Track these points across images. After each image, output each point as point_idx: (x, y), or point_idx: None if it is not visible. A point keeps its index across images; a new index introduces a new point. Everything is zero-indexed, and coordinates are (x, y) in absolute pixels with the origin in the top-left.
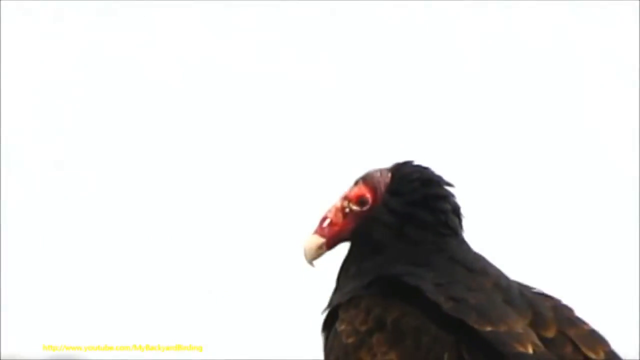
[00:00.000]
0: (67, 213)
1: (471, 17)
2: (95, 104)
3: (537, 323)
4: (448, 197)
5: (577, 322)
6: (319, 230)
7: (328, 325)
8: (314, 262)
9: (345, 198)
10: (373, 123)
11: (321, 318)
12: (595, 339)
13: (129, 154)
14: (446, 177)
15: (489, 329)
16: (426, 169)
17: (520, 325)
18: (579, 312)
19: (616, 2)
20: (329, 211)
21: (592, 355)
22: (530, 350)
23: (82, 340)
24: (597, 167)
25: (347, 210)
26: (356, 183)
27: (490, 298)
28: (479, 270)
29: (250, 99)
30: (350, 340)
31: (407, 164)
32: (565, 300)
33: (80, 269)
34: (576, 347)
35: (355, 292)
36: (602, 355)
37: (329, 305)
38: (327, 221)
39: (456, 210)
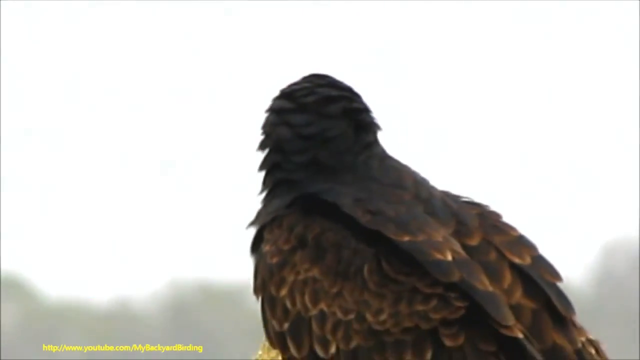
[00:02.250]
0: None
1: (466, 16)
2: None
3: (460, 232)
4: (272, 127)
5: (504, 229)
6: None
7: (255, 247)
8: None
9: None
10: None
11: (249, 239)
12: (522, 245)
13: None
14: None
15: (407, 239)
16: (307, 81)
17: (440, 235)
18: (506, 218)
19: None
20: None
21: (517, 260)
22: (450, 258)
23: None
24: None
25: None
26: None
27: (410, 210)
28: (396, 184)
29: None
30: (274, 260)
31: (305, 77)
32: (492, 207)
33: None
34: (501, 254)
35: (278, 212)
36: (528, 259)
37: (253, 222)
38: None
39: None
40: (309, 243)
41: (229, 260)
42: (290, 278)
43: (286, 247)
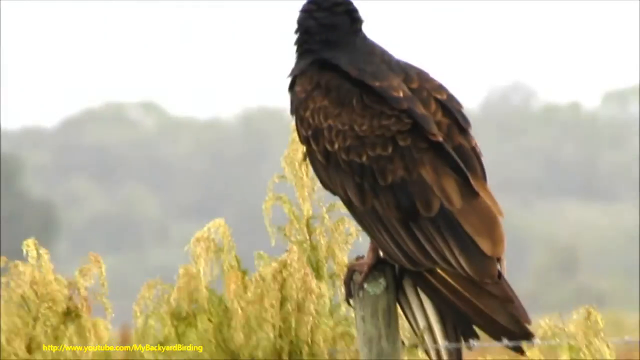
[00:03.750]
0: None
1: None
2: None
3: (406, 80)
4: (303, 20)
5: (431, 80)
6: None
7: (291, 88)
8: None
9: None
10: None
11: (287, 82)
12: (441, 88)
13: None
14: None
15: (377, 84)
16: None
17: (396, 82)
18: (434, 76)
19: None
20: None
21: (439, 96)
22: (401, 95)
23: None
24: None
25: None
26: None
27: (379, 67)
28: (371, 52)
29: None
30: (302, 95)
31: None
32: (425, 69)
33: None
34: (429, 93)
35: (304, 68)
36: (445, 96)
37: (291, 74)
38: None
39: (313, 27)
40: (322, 86)
41: (277, 89)
42: (311, 105)
43: (309, 88)
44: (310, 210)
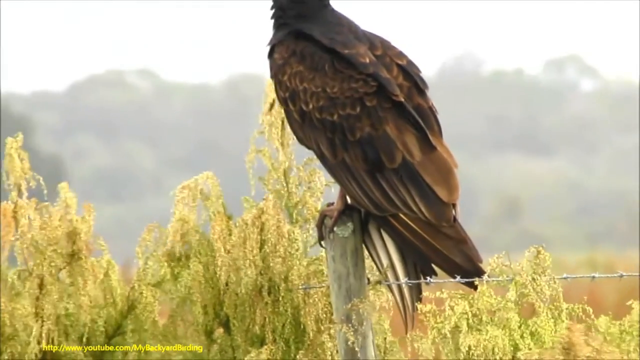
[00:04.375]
0: None
1: None
2: None
3: (371, 48)
4: None
5: (393, 48)
6: None
7: (270, 55)
8: None
9: None
10: None
11: (266, 51)
12: (402, 55)
13: None
14: None
15: (347, 51)
16: None
17: (362, 49)
18: (395, 44)
19: None
20: None
21: (400, 62)
22: (368, 61)
23: None
24: None
25: None
26: None
27: (347, 37)
28: (339, 24)
29: None
30: (280, 62)
31: None
32: (388, 39)
33: None
34: (391, 59)
35: (282, 38)
36: (405, 62)
37: (270, 43)
38: None
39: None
40: (298, 53)
41: (258, 58)
42: (288, 71)
43: (286, 55)
44: (286, 162)
